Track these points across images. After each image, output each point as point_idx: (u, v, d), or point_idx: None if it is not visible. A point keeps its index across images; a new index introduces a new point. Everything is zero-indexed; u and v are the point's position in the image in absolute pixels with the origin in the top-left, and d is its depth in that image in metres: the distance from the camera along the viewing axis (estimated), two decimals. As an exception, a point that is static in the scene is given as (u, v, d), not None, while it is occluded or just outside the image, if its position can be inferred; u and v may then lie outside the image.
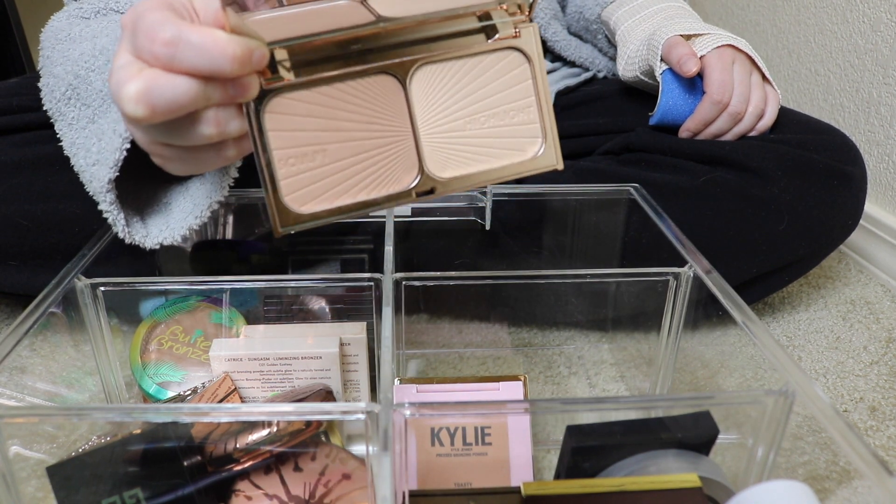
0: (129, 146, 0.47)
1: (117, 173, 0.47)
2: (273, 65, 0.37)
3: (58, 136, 0.53)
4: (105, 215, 0.49)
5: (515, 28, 0.40)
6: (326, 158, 0.38)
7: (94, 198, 0.50)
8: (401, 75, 0.39)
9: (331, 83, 0.38)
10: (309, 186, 0.38)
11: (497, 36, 0.40)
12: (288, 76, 0.37)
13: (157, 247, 0.51)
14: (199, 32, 0.33)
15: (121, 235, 0.50)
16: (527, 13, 0.40)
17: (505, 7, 0.40)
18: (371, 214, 0.66)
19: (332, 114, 0.38)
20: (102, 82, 0.50)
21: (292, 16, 0.40)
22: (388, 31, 0.38)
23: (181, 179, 0.53)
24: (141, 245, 0.51)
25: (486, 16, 0.40)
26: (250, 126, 0.37)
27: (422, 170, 0.40)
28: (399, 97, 0.39)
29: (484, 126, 0.41)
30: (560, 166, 0.42)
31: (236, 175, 0.52)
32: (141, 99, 0.34)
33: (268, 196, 0.37)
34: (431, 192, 0.41)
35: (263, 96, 0.37)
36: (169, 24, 0.34)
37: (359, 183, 0.39)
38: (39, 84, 0.56)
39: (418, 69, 0.39)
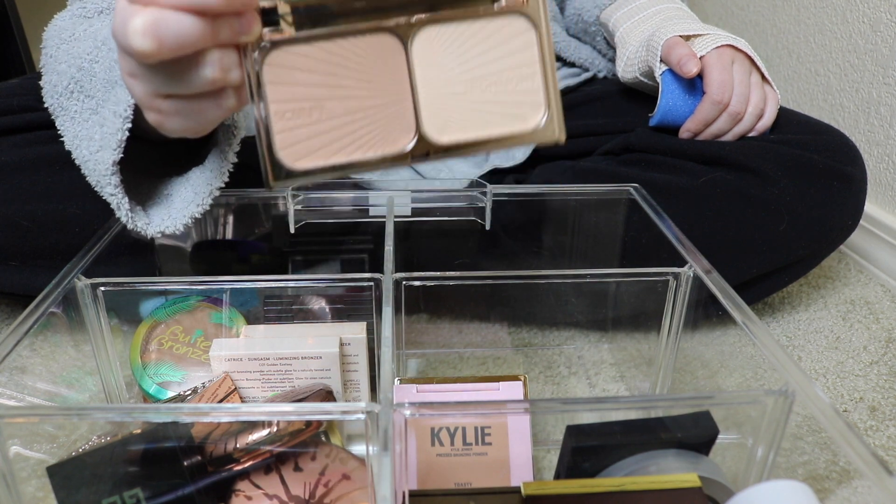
0: (129, 125, 0.47)
1: (121, 155, 0.47)
2: (276, 17, 0.36)
3: (59, 132, 0.53)
4: (109, 199, 0.49)
5: None
6: (323, 115, 0.38)
7: (98, 187, 0.50)
8: (403, 36, 0.38)
9: (332, 39, 0.37)
10: (304, 142, 0.38)
11: (504, 1, 0.39)
12: (289, 30, 0.36)
13: (159, 235, 0.51)
14: None
15: (123, 220, 0.50)
16: None
17: None
18: (371, 214, 0.66)
19: (332, 70, 0.37)
20: (105, 71, 0.50)
21: None
22: None
23: (181, 170, 0.53)
24: (143, 232, 0.51)
25: None
26: (249, 77, 0.36)
27: (418, 132, 0.39)
28: (400, 58, 0.38)
29: (486, 92, 0.40)
30: (562, 138, 0.40)
31: (235, 160, 0.52)
32: (148, 31, 0.33)
33: (262, 149, 0.37)
34: (427, 155, 0.40)
35: (265, 49, 0.36)
36: None
37: (354, 142, 0.38)
38: (41, 82, 0.57)
39: (421, 30, 0.38)
